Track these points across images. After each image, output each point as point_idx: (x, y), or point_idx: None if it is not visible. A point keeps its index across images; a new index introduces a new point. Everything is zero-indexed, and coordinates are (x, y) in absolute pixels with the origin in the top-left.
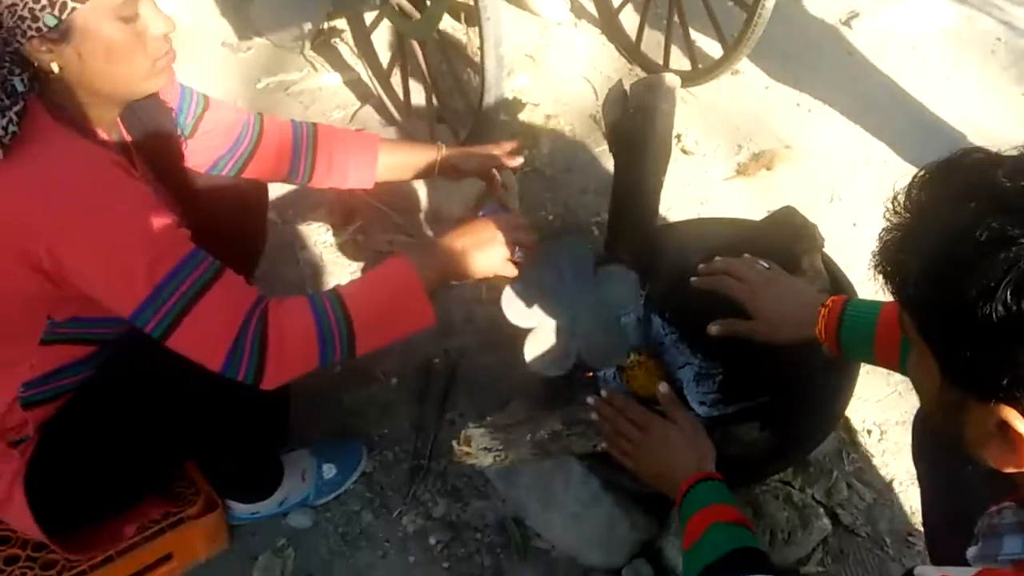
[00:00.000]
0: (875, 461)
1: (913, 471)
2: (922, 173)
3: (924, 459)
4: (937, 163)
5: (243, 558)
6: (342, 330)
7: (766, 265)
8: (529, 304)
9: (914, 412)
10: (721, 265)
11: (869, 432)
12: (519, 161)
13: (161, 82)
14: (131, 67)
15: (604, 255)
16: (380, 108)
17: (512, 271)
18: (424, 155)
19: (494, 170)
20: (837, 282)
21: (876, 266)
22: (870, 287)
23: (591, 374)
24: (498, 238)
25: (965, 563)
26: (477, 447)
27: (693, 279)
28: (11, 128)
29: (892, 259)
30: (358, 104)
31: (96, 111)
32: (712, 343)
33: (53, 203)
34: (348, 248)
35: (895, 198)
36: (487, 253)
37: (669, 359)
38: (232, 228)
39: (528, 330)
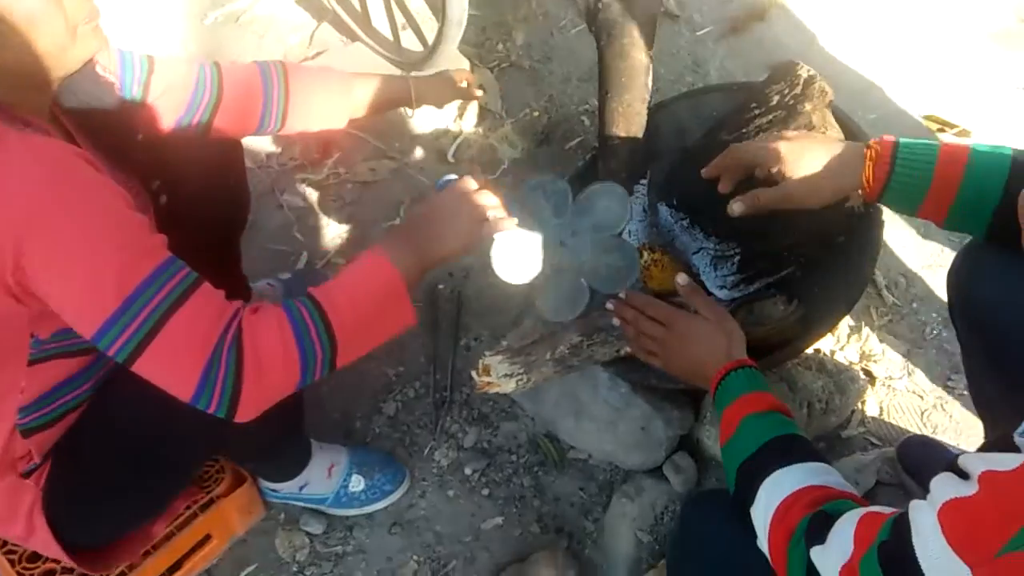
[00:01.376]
0: (905, 312)
1: (945, 315)
2: None
3: (964, 317)
4: None
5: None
6: (324, 346)
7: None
8: (523, 258)
9: (938, 254)
10: (732, 150)
11: (896, 284)
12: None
13: (90, 48)
14: (51, 37)
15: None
16: (338, 24)
17: (491, 231)
18: (396, 88)
19: (466, 84)
20: (853, 134)
21: None
22: (881, 126)
23: None
24: (463, 206)
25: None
26: (498, 375)
27: (704, 171)
28: None
29: None
30: (315, 24)
31: (26, 97)
32: (725, 222)
33: (12, 210)
34: (331, 183)
35: None
36: (459, 225)
37: (682, 247)
38: (211, 192)
39: (531, 284)
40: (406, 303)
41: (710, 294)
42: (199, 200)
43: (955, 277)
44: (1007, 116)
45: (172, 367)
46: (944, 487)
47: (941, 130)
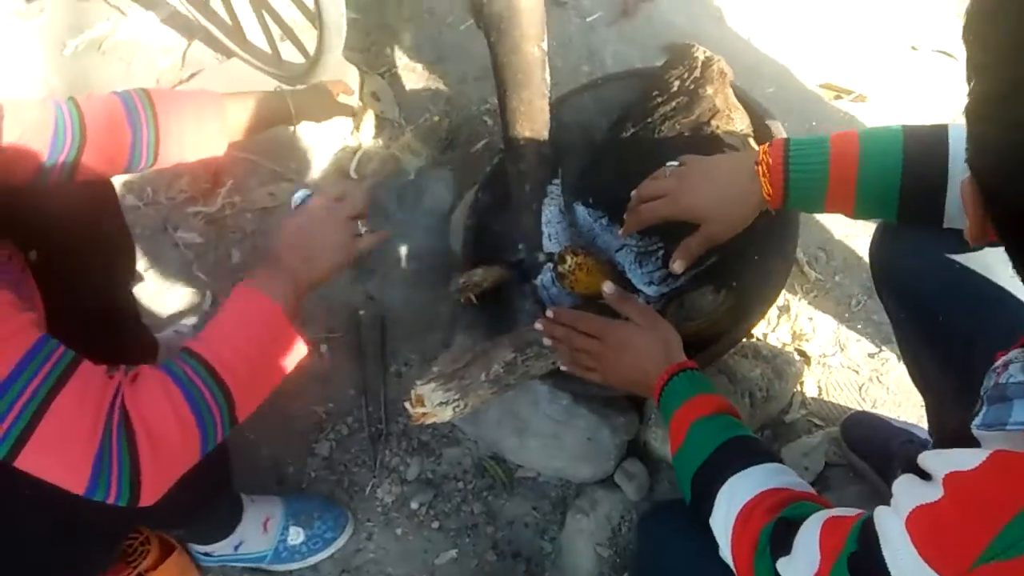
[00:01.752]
0: (828, 285)
1: (870, 283)
2: None
3: (890, 292)
4: None
5: None
6: (219, 401)
7: (676, 163)
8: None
9: (852, 223)
10: (634, 201)
11: (815, 258)
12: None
13: None
14: None
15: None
16: (211, 41)
17: (364, 244)
18: (274, 105)
19: (345, 96)
20: (755, 114)
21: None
22: (779, 100)
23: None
24: (328, 223)
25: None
26: (433, 404)
27: (620, 231)
28: None
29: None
30: (185, 43)
31: None
32: None
33: None
34: (227, 213)
35: None
36: (329, 245)
37: (604, 245)
38: (87, 240)
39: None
40: (292, 335)
41: (637, 291)
42: (74, 250)
43: (876, 254)
44: (901, 77)
45: (58, 460)
46: (908, 492)
47: (838, 97)
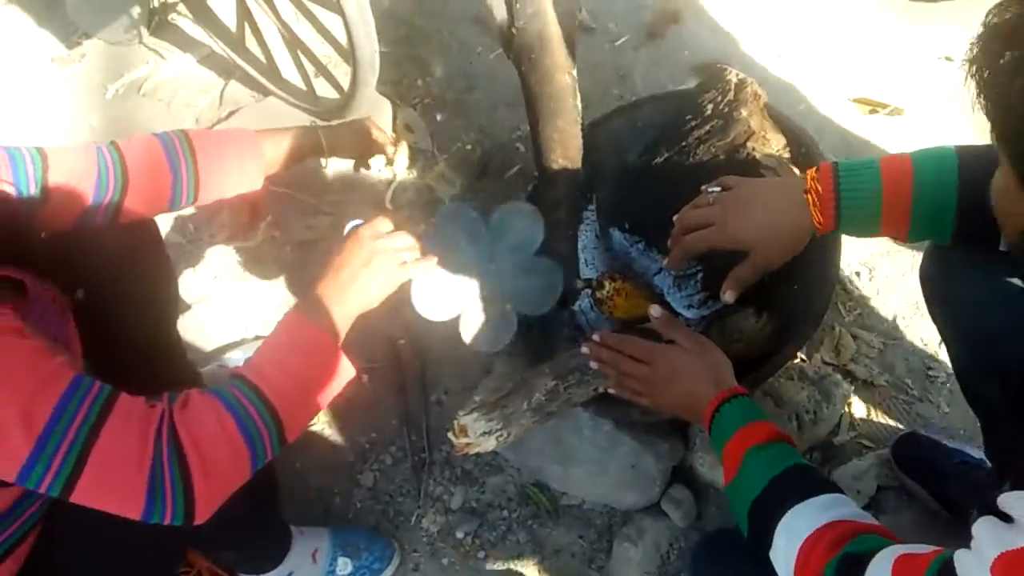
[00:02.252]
0: (873, 303)
1: (915, 299)
2: None
3: (946, 319)
4: None
5: None
6: (267, 422)
7: (717, 188)
8: (444, 294)
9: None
10: (677, 231)
11: (858, 274)
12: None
13: None
14: None
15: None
16: (247, 80)
17: (411, 273)
18: (306, 139)
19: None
20: (792, 134)
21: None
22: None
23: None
24: (377, 250)
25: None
26: (476, 434)
27: (665, 263)
28: None
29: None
30: (222, 83)
31: None
32: None
33: None
34: (267, 247)
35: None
36: (376, 272)
37: (641, 270)
38: (132, 278)
39: (456, 318)
40: (339, 358)
41: (677, 315)
42: (120, 289)
43: (928, 276)
44: (936, 89)
45: (113, 491)
46: (992, 536)
47: (873, 111)
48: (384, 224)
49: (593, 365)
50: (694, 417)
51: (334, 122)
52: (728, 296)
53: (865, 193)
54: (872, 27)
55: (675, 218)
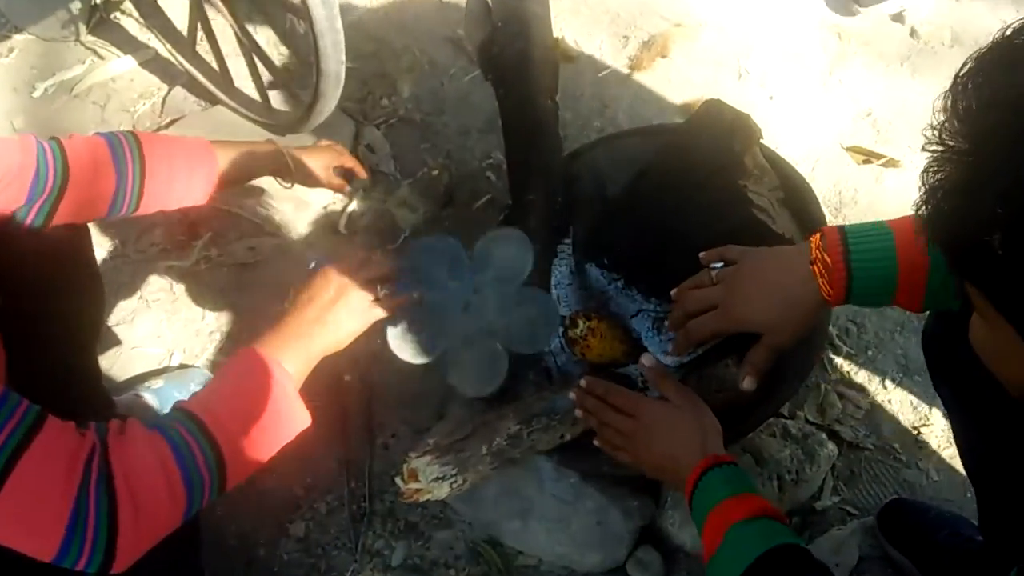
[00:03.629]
0: (860, 360)
1: (905, 359)
2: (974, 73)
3: (951, 386)
4: (989, 53)
5: None
6: (211, 466)
7: (718, 265)
8: (424, 334)
9: None
10: (678, 316)
11: (846, 331)
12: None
13: None
14: None
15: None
16: (193, 86)
17: (383, 312)
18: (265, 156)
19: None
20: (785, 175)
21: (925, 219)
22: (801, 162)
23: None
24: (348, 287)
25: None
26: (427, 479)
27: (671, 350)
28: None
29: (951, 213)
30: (165, 88)
31: None
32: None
33: None
34: (202, 268)
35: (946, 112)
36: (346, 310)
37: (618, 310)
38: (58, 290)
39: (440, 358)
40: (297, 405)
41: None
42: (43, 299)
43: (932, 346)
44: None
45: (27, 525)
46: None
47: (867, 161)
48: (359, 257)
49: (578, 413)
50: (674, 481)
51: (296, 144)
52: (748, 384)
53: (878, 263)
54: (870, 74)
55: (673, 295)
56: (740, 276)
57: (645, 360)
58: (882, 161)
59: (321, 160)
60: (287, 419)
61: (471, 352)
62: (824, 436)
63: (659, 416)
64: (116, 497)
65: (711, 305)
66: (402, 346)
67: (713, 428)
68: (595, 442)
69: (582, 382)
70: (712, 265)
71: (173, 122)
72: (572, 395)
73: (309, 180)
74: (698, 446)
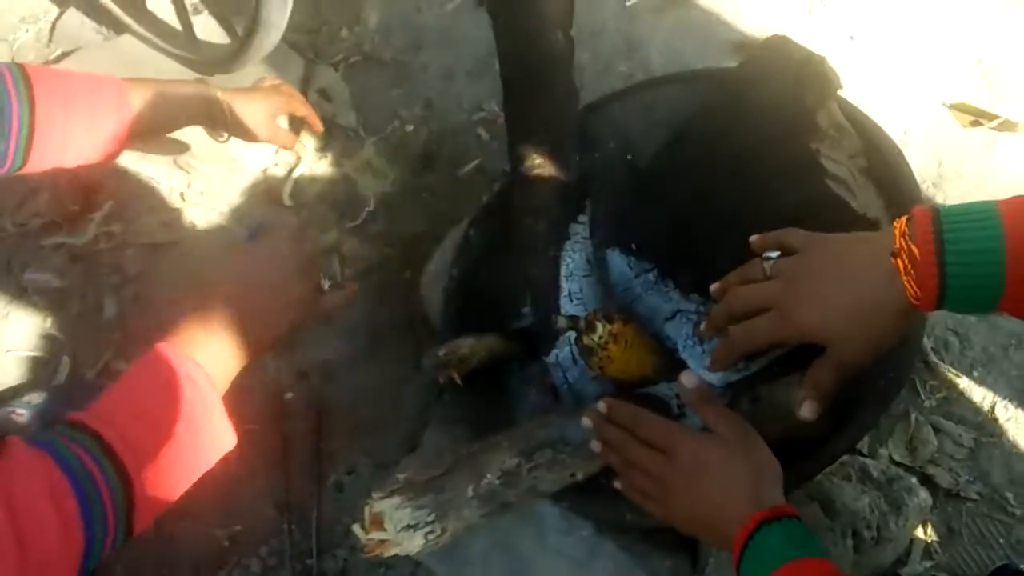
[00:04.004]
0: (963, 384)
1: (1019, 382)
2: None
3: None
4: None
5: None
6: (115, 494)
7: (775, 254)
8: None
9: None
10: (720, 316)
11: (945, 344)
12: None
13: None
14: None
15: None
16: (92, 10)
17: (330, 305)
18: (196, 100)
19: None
20: (869, 138)
21: None
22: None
23: None
24: (286, 270)
25: None
26: (396, 527)
27: (709, 364)
28: None
29: None
30: (55, 11)
31: None
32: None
33: None
34: (101, 248)
35: None
36: (283, 300)
37: (648, 312)
38: None
39: None
40: (220, 420)
41: None
42: None
43: None
44: None
45: None
46: None
47: (976, 123)
48: (293, 225)
49: (594, 447)
50: (717, 539)
51: (232, 85)
52: (808, 411)
53: (980, 259)
54: (983, 10)
55: (714, 291)
56: (803, 270)
57: (685, 379)
58: (996, 123)
59: (265, 106)
60: (209, 434)
61: None
62: (915, 481)
63: (702, 454)
64: None
65: (765, 306)
66: None
67: (771, 471)
68: (616, 485)
69: (601, 405)
70: (767, 254)
71: (65, 55)
72: (587, 422)
73: (248, 133)
74: (750, 494)
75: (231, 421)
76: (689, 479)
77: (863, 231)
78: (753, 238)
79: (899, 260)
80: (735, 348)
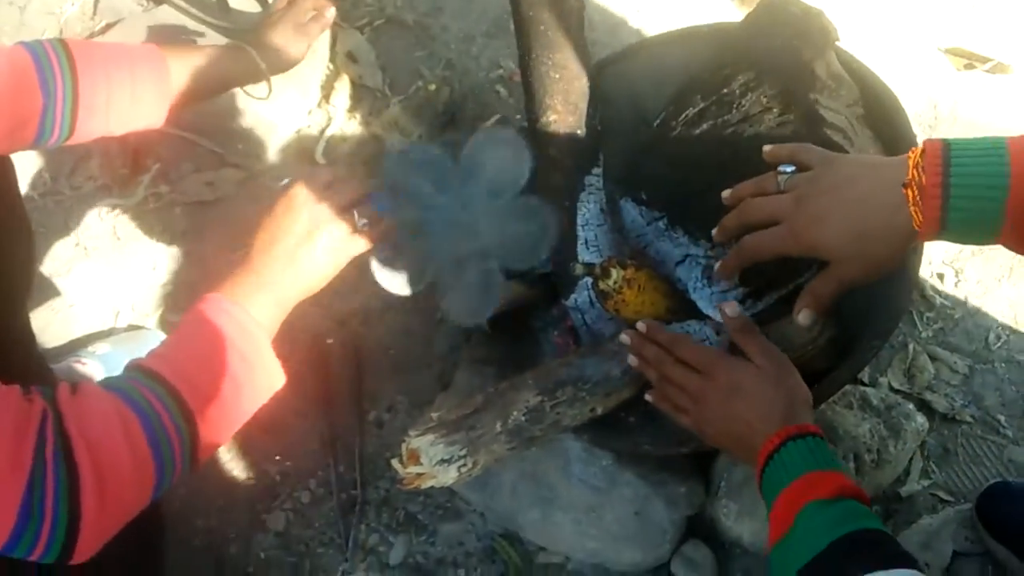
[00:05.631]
0: (957, 314)
1: (1014, 311)
2: None
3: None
4: None
5: None
6: (181, 430)
7: (789, 169)
8: (409, 261)
9: None
10: (732, 224)
11: (941, 276)
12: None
13: None
14: None
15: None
16: None
17: (366, 243)
18: (232, 62)
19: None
20: (866, 86)
21: None
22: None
23: None
24: (320, 218)
25: None
26: (431, 461)
27: (716, 273)
28: None
29: None
30: None
31: None
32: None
33: None
34: (150, 208)
35: None
36: (321, 246)
37: (660, 257)
38: None
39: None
40: (270, 360)
41: (705, 318)
42: None
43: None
44: None
45: None
46: None
47: (969, 66)
48: (326, 178)
49: (631, 361)
50: (743, 452)
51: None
52: (803, 318)
53: (984, 190)
54: None
55: (727, 197)
56: (816, 187)
57: (728, 308)
58: (989, 65)
59: (285, 23)
60: (262, 373)
61: (464, 276)
62: (912, 407)
63: (737, 375)
64: (77, 470)
65: (775, 218)
66: (389, 278)
67: (802, 395)
68: (648, 397)
69: (641, 326)
70: (782, 168)
71: (109, 27)
72: (625, 338)
73: (286, 58)
74: (780, 414)
75: (282, 368)
76: (725, 398)
77: (879, 156)
78: (767, 148)
79: (909, 190)
80: (743, 256)
